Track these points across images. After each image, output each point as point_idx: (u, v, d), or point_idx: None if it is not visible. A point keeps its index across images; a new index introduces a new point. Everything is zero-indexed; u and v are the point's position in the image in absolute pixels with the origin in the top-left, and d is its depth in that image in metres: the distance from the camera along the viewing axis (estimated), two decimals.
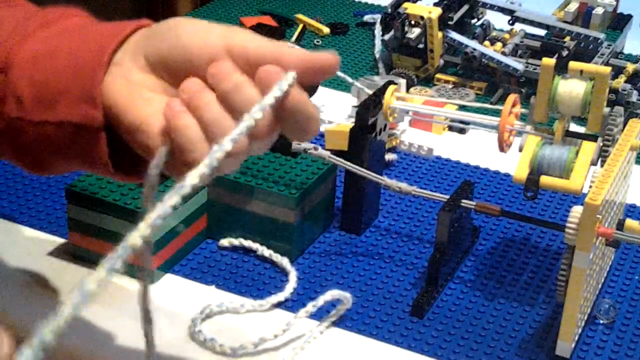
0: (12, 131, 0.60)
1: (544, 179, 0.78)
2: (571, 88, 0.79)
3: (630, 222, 0.76)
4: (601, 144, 0.80)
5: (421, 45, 1.28)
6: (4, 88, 0.59)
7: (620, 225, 0.76)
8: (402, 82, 1.15)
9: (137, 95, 0.57)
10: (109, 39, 0.58)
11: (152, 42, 0.58)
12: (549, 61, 0.80)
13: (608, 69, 0.79)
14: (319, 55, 0.56)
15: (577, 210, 0.71)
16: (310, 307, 0.78)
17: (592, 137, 0.81)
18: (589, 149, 0.80)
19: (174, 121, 0.55)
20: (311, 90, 0.57)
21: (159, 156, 0.55)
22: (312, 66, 0.56)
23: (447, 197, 0.83)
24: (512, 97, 0.84)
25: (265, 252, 0.86)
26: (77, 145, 0.59)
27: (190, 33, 0.57)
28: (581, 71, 0.79)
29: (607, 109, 0.80)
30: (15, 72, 0.59)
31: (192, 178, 0.48)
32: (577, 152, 0.80)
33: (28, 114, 0.59)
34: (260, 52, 0.56)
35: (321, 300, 0.78)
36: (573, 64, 0.80)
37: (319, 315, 0.79)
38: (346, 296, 0.79)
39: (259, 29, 1.11)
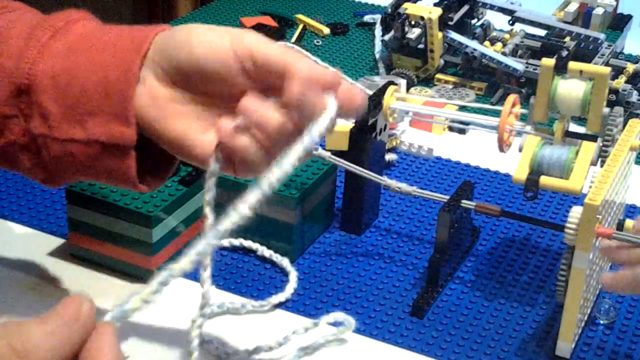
0: (35, 147, 0.60)
1: (544, 179, 0.78)
2: (571, 88, 0.79)
3: (630, 223, 0.76)
4: (601, 144, 0.80)
5: (421, 46, 1.28)
6: (29, 107, 0.59)
7: (620, 226, 0.76)
8: (402, 82, 1.15)
9: (168, 112, 0.58)
10: (130, 54, 0.58)
11: (167, 55, 0.58)
12: (549, 61, 0.80)
13: (608, 69, 0.79)
14: (325, 72, 0.56)
15: (577, 211, 0.71)
16: (311, 324, 0.77)
17: (592, 137, 0.81)
18: (588, 149, 0.80)
19: (232, 142, 0.57)
20: None
21: (213, 168, 0.58)
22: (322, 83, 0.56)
23: (448, 197, 0.83)
24: (512, 97, 0.84)
25: (266, 252, 0.86)
26: (103, 162, 0.59)
27: (200, 42, 0.57)
28: (581, 71, 0.79)
29: (607, 109, 0.80)
30: (39, 91, 0.58)
31: (253, 199, 0.51)
32: (577, 152, 0.80)
33: (54, 131, 0.59)
34: (266, 58, 0.56)
35: (323, 320, 0.77)
36: (573, 64, 0.80)
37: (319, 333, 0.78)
38: (349, 320, 0.77)
39: (259, 29, 1.11)
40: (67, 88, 0.58)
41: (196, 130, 0.59)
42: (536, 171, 0.79)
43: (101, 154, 0.59)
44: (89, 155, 0.59)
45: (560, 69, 0.83)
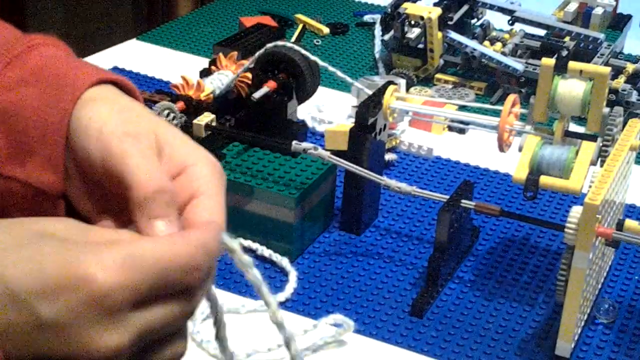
0: None
1: (544, 179, 0.78)
2: (571, 88, 0.79)
3: (629, 222, 0.76)
4: (601, 144, 0.80)
5: (421, 45, 1.28)
6: None
7: (619, 225, 0.76)
8: (402, 82, 1.15)
9: (81, 193, 0.55)
10: (68, 99, 0.55)
11: (74, 144, 0.54)
12: (549, 61, 0.80)
13: (607, 69, 0.79)
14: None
15: (576, 210, 0.71)
16: (310, 326, 0.77)
17: (592, 137, 0.81)
18: (588, 149, 0.80)
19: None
20: None
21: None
22: None
23: (447, 197, 0.83)
24: (511, 97, 0.84)
25: (265, 252, 0.86)
26: (36, 208, 0.57)
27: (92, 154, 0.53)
28: (581, 71, 0.79)
29: (606, 109, 0.80)
30: None
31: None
32: (576, 152, 0.80)
33: (1, 167, 0.57)
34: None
35: (322, 322, 0.77)
36: (573, 64, 0.80)
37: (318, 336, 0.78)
38: (348, 322, 0.77)
39: (259, 29, 1.11)
40: (14, 125, 0.56)
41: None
42: (536, 171, 0.79)
43: (34, 199, 0.57)
44: (25, 198, 0.57)
45: (560, 69, 0.83)
